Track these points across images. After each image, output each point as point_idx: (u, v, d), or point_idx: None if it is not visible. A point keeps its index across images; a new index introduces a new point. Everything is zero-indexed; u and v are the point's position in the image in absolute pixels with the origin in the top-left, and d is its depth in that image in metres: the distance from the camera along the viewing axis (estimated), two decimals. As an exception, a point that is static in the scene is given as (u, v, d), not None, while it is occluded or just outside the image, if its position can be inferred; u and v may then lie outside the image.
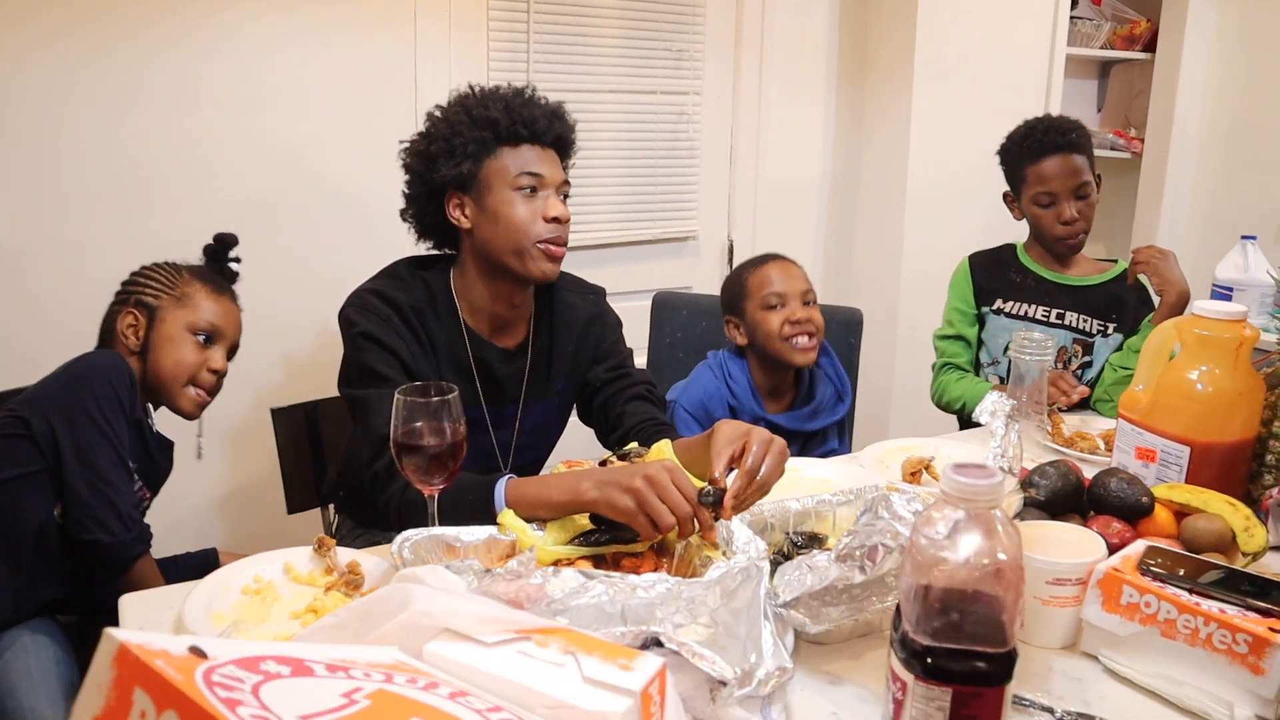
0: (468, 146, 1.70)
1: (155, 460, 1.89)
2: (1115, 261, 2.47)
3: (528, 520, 1.36)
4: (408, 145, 1.79)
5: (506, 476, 1.46)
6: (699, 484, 1.30)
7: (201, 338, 1.87)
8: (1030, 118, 2.44)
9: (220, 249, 2.03)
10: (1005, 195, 2.49)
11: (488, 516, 1.42)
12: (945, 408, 2.49)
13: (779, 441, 1.36)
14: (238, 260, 2.04)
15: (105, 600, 1.51)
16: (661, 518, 1.25)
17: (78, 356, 1.78)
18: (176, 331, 1.85)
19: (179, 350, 1.85)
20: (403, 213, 1.83)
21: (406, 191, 1.81)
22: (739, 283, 2.27)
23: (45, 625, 1.70)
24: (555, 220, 1.71)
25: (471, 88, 1.78)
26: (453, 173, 1.70)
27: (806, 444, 2.26)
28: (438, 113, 1.77)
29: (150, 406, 1.90)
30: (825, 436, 2.29)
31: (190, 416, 1.90)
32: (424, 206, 1.79)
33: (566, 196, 1.78)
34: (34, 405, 1.69)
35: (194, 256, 2.58)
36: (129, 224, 2.56)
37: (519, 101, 1.73)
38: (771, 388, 2.27)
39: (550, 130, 1.74)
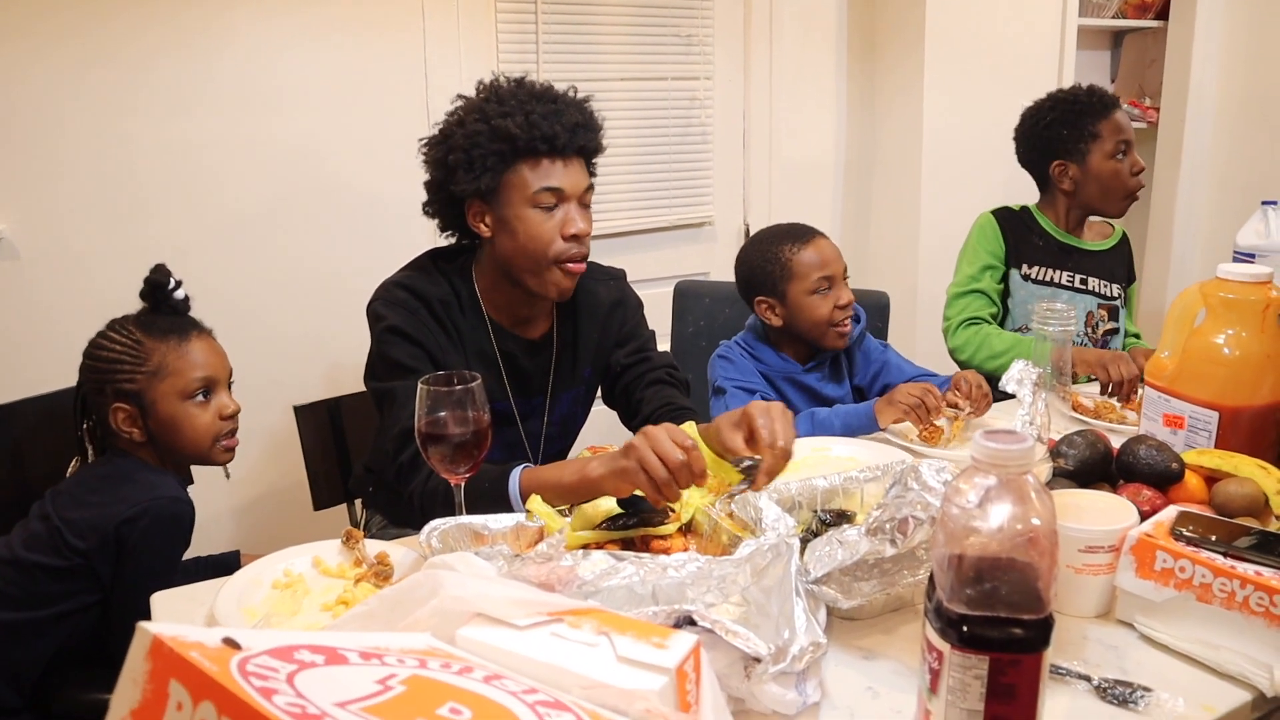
0: (487, 160, 1.64)
1: None
2: (1113, 226, 2.53)
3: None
4: (427, 146, 1.74)
5: (521, 466, 1.48)
6: (722, 466, 1.31)
7: (199, 396, 1.72)
8: (1053, 90, 2.48)
9: (155, 289, 1.76)
10: (1054, 167, 2.42)
11: (506, 507, 1.43)
12: (978, 365, 2.27)
13: (777, 405, 1.37)
14: (179, 285, 1.78)
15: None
16: (655, 469, 1.27)
17: (130, 488, 1.64)
18: (174, 407, 1.70)
19: (188, 424, 1.71)
20: (425, 208, 1.79)
21: (427, 192, 1.77)
22: (777, 262, 2.03)
23: None
24: (574, 237, 1.67)
25: (495, 88, 1.70)
26: (471, 185, 1.66)
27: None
28: (458, 116, 1.70)
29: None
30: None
31: (227, 462, 1.81)
32: (445, 210, 1.76)
33: (588, 204, 1.73)
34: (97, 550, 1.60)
35: (206, 261, 2.60)
36: (137, 229, 2.56)
37: (541, 111, 1.64)
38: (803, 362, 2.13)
39: (573, 142, 1.67)
